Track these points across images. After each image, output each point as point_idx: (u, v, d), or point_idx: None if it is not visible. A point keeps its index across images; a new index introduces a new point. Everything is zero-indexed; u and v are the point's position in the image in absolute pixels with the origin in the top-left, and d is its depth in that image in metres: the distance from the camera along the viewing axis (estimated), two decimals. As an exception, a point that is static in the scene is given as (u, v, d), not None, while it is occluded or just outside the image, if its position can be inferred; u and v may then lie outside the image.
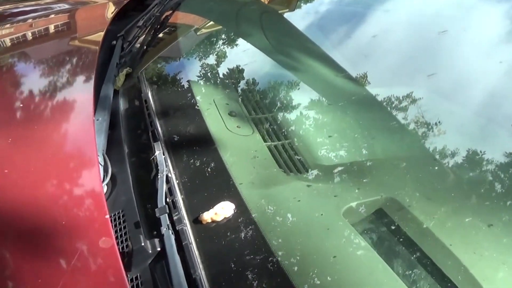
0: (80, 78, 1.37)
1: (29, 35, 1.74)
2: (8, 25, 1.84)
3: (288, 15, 1.87)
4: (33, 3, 2.36)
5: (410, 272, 0.90)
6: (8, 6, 2.25)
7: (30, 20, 1.91)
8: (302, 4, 1.94)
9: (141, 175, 1.07)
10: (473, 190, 1.04)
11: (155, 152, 1.06)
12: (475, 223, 0.96)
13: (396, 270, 0.87)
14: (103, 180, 1.04)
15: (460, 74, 1.30)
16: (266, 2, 2.03)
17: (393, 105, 1.27)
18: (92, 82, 1.30)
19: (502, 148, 1.09)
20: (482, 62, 1.32)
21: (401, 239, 0.94)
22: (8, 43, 1.70)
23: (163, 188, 0.96)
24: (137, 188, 1.04)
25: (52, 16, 1.96)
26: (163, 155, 1.06)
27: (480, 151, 1.08)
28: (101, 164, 1.07)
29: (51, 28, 1.79)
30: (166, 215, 0.91)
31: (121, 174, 1.07)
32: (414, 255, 0.91)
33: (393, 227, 0.96)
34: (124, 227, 0.93)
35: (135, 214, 0.96)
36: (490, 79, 1.24)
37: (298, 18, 1.81)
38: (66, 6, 2.11)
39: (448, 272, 0.86)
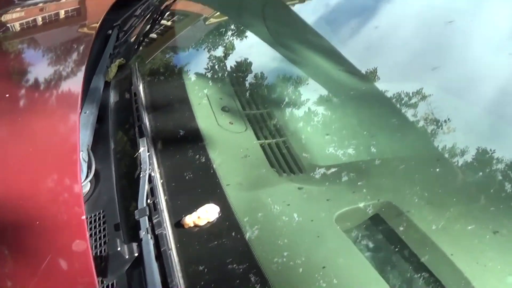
0: (71, 69, 1.32)
1: (25, 23, 1.68)
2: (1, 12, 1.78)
3: (298, 7, 1.79)
4: None
5: (407, 284, 0.83)
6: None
7: (27, 8, 1.86)
8: None
9: (126, 173, 1.02)
10: (478, 194, 0.98)
11: (139, 148, 1.00)
12: (479, 230, 0.89)
13: (391, 283, 0.81)
14: (86, 177, 0.98)
15: (466, 67, 1.23)
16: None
17: (396, 101, 1.21)
18: (82, 73, 1.24)
19: (509, 148, 1.02)
20: (489, 54, 1.24)
21: (398, 248, 0.87)
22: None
23: (144, 188, 0.90)
24: (120, 187, 0.98)
25: (51, 3, 1.90)
26: (148, 152, 0.99)
27: (487, 151, 1.02)
28: (84, 160, 1.02)
29: (46, 16, 1.73)
30: (146, 217, 0.85)
31: (105, 172, 1.02)
32: (412, 266, 0.84)
33: (390, 235, 0.89)
34: (104, 229, 0.87)
35: (115, 215, 0.90)
36: (498, 73, 1.17)
37: (307, 10, 1.74)
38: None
39: (448, 285, 0.79)
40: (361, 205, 0.93)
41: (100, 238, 0.86)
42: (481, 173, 1.01)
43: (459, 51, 1.29)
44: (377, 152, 1.08)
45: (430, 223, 0.89)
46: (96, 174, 1.01)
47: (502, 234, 0.86)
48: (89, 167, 1.01)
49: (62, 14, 1.73)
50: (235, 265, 0.79)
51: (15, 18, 1.69)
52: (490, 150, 1.02)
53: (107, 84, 1.32)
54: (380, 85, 1.24)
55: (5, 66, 1.34)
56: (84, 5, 1.85)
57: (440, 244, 0.84)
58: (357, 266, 0.80)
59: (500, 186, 0.99)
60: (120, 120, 1.18)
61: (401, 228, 0.88)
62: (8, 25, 1.64)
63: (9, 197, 0.90)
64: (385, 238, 0.90)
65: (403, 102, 1.19)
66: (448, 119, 1.08)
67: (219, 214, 0.88)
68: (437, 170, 1.01)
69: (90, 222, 0.89)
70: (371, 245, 0.89)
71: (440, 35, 1.35)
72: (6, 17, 1.71)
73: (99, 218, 0.90)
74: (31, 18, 1.68)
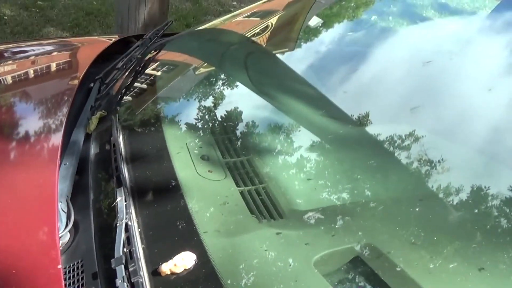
0: (52, 122, 1.34)
1: (5, 76, 1.72)
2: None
3: (287, 55, 1.83)
4: (34, 42, 2.37)
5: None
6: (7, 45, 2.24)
7: (19, 60, 1.90)
8: (302, 43, 1.91)
9: (105, 222, 1.02)
10: (461, 231, 0.98)
11: (117, 198, 1.01)
12: (463, 267, 0.89)
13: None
14: (66, 227, 0.99)
15: (446, 105, 1.26)
16: (264, 41, 2.01)
17: (377, 143, 1.23)
18: (62, 125, 1.26)
19: (492, 184, 1.03)
20: (469, 91, 1.27)
21: (379, 289, 0.86)
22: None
23: (121, 237, 0.91)
24: (99, 236, 0.99)
25: (36, 57, 1.94)
26: (125, 201, 1.01)
27: (470, 189, 1.04)
28: (63, 211, 1.03)
29: (31, 70, 1.76)
30: (122, 266, 0.85)
31: (84, 222, 1.03)
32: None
33: (370, 277, 0.89)
34: (82, 278, 0.88)
35: (93, 264, 0.91)
36: (478, 109, 1.20)
37: (291, 58, 1.78)
38: (52, 48, 2.10)
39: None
40: (341, 248, 0.94)
41: (78, 287, 0.86)
42: (463, 211, 1.02)
43: (438, 90, 1.32)
44: (359, 195, 1.09)
45: (412, 263, 0.90)
46: (75, 224, 1.02)
47: (488, 270, 0.87)
48: (68, 217, 1.02)
49: (44, 68, 1.77)
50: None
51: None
52: (473, 187, 1.03)
53: (88, 136, 1.33)
54: (360, 128, 1.27)
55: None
56: (67, 59, 1.89)
57: (423, 284, 0.84)
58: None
59: (483, 222, 1.00)
60: (100, 171, 1.19)
61: (382, 270, 0.88)
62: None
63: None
64: (366, 280, 0.90)
65: (384, 144, 1.21)
66: (429, 158, 1.10)
67: (195, 262, 0.89)
68: (420, 210, 1.02)
69: (69, 271, 0.90)
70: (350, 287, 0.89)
71: (419, 75, 1.39)
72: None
73: (78, 268, 0.90)
74: (13, 72, 1.71)
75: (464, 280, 0.87)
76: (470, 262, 0.90)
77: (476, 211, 1.03)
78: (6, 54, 1.98)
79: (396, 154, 1.18)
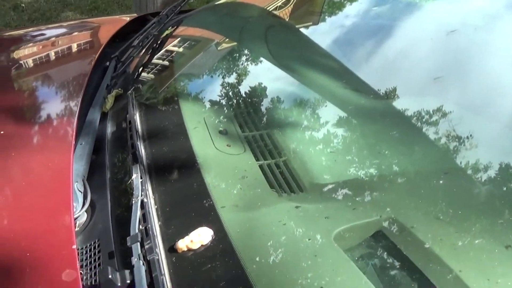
0: (67, 102, 1.35)
1: (21, 56, 1.73)
2: (12, 47, 1.83)
3: (309, 29, 1.81)
4: (51, 25, 2.38)
5: (413, 305, 0.80)
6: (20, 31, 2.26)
7: (37, 42, 1.91)
8: (326, 17, 1.90)
9: (121, 201, 1.03)
10: (487, 207, 0.96)
11: (132, 176, 1.01)
12: (489, 244, 0.87)
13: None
14: (82, 207, 1.00)
15: (471, 77, 1.22)
16: (286, 14, 1.99)
17: (400, 115, 1.20)
18: (78, 105, 1.27)
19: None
20: (494, 62, 1.24)
21: (402, 267, 0.85)
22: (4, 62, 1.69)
23: (136, 214, 0.91)
24: (116, 215, 0.99)
25: (52, 38, 1.95)
26: (141, 178, 1.01)
27: (497, 163, 1.00)
28: (80, 191, 1.04)
29: (47, 52, 1.77)
30: (138, 244, 0.85)
31: (101, 201, 1.04)
32: (418, 285, 0.82)
33: (393, 252, 0.87)
34: (99, 258, 0.88)
35: (110, 243, 0.91)
36: (504, 81, 1.16)
37: (317, 31, 1.76)
38: (68, 29, 2.11)
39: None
40: (362, 222, 0.92)
41: (95, 267, 0.86)
42: (490, 186, 0.99)
43: (463, 62, 1.29)
44: (382, 167, 1.07)
45: (437, 238, 0.88)
46: (92, 204, 1.02)
47: (514, 248, 0.84)
48: (85, 197, 1.03)
49: (60, 50, 1.78)
50: (228, 288, 0.78)
51: (9, 50, 1.74)
52: (500, 161, 1.00)
53: (104, 115, 1.34)
54: (384, 100, 1.24)
55: None
56: (83, 39, 1.90)
57: (448, 261, 0.82)
58: (356, 285, 0.79)
59: (511, 198, 0.97)
60: (116, 149, 1.19)
61: (405, 245, 0.87)
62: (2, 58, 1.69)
63: (1, 229, 0.92)
64: (388, 256, 0.88)
65: (408, 116, 1.18)
66: (455, 131, 1.07)
67: (212, 237, 0.89)
68: (445, 184, 0.99)
69: (86, 252, 0.90)
70: (373, 264, 0.88)
71: (443, 46, 1.35)
72: None
73: (95, 247, 0.91)
74: (30, 55, 1.72)
75: (490, 257, 0.85)
76: (496, 239, 0.88)
77: (504, 188, 1.00)
78: (24, 38, 2.00)
79: (420, 127, 1.16)
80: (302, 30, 1.84)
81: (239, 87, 1.47)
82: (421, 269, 0.82)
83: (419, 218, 0.93)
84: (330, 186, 1.02)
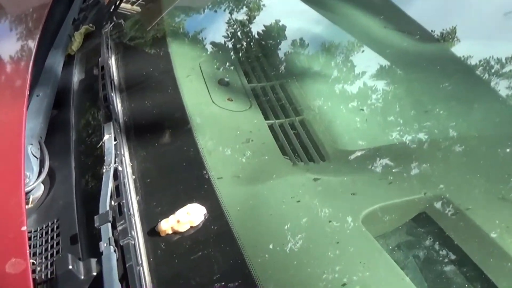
0: (19, 40, 1.34)
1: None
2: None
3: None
4: None
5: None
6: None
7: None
8: None
9: (89, 169, 1.03)
10: None
11: (104, 136, 1.01)
12: None
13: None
14: (38, 178, 1.00)
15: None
16: None
17: (457, 65, 1.19)
18: (34, 45, 1.26)
19: None
20: None
21: (453, 260, 0.85)
22: None
23: (108, 187, 0.91)
24: (81, 188, 0.99)
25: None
26: (115, 140, 1.00)
27: None
28: (35, 156, 1.03)
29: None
30: (109, 224, 0.85)
31: (62, 170, 1.04)
32: (474, 284, 0.82)
33: (442, 241, 0.87)
34: (57, 243, 0.88)
35: (73, 225, 0.91)
36: None
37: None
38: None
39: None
40: (400, 200, 0.92)
41: (51, 255, 0.86)
42: None
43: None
44: (427, 131, 1.06)
45: (500, 225, 0.87)
46: (51, 173, 1.02)
47: None
48: (41, 165, 1.02)
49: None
50: (224, 283, 0.78)
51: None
52: None
53: (69, 59, 1.33)
54: (437, 43, 1.23)
55: None
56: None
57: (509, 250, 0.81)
58: (392, 283, 0.78)
59: None
60: (84, 103, 1.19)
61: (458, 232, 0.87)
62: None
63: None
64: (435, 246, 0.88)
65: (469, 64, 1.18)
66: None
67: (205, 217, 0.88)
68: (504, 155, 0.98)
69: (41, 235, 0.90)
70: (414, 256, 0.88)
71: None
72: None
73: (52, 230, 0.91)
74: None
75: None
76: None
77: None
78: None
79: (486, 79, 1.14)
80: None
81: (249, 25, 1.46)
82: (477, 264, 0.82)
83: (476, 197, 0.93)
84: (359, 154, 1.01)
